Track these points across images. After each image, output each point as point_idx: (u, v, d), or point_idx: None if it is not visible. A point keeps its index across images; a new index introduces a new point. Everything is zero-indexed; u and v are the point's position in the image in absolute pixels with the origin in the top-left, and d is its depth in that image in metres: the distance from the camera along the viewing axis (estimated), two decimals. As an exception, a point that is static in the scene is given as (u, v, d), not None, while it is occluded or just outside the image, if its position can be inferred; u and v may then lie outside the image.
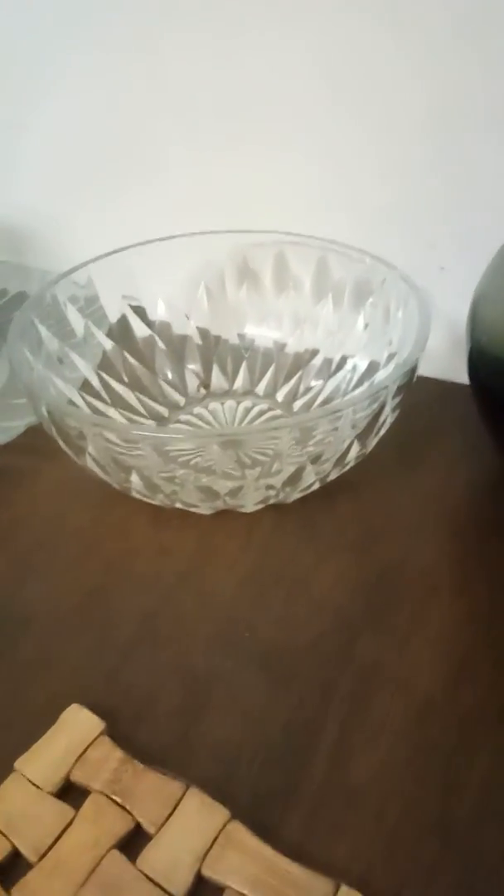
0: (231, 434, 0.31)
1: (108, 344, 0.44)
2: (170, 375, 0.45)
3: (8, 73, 0.48)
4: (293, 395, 0.44)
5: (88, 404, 0.41)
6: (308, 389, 0.44)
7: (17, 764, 0.27)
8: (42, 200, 0.53)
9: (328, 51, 0.40)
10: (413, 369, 0.33)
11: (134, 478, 0.33)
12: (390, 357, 0.39)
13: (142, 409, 0.43)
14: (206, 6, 0.41)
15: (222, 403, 0.45)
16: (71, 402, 0.39)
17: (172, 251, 0.43)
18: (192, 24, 0.42)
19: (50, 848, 0.24)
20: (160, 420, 0.43)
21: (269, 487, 0.33)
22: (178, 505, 0.34)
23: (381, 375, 0.39)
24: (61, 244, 0.54)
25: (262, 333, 0.46)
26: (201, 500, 0.33)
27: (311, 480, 0.33)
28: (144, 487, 0.33)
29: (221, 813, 0.25)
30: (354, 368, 0.42)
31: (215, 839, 0.24)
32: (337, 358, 0.44)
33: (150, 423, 0.43)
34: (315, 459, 0.32)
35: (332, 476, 0.35)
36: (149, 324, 0.46)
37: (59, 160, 0.50)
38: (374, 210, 0.44)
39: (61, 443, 0.34)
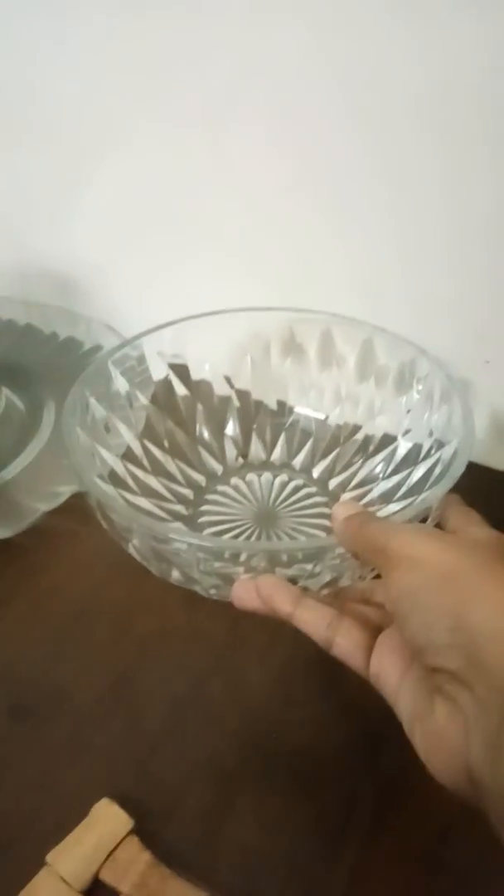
0: (275, 549, 0.32)
1: (151, 408, 0.45)
2: (210, 442, 0.46)
3: (78, 132, 0.49)
4: (329, 473, 0.45)
5: (130, 473, 0.41)
6: (345, 467, 0.45)
7: (50, 858, 0.28)
8: (95, 253, 0.54)
9: (390, 148, 0.40)
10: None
11: (175, 572, 0.34)
12: (431, 448, 0.40)
13: (181, 478, 0.44)
14: (271, 91, 0.41)
15: (259, 476, 0.45)
16: (114, 473, 0.40)
17: (222, 322, 0.44)
18: (257, 108, 0.42)
19: None
20: (198, 490, 0.44)
21: (307, 589, 0.33)
22: (214, 595, 0.35)
23: (420, 470, 0.40)
24: (108, 295, 0.55)
25: (304, 406, 0.47)
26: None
27: (348, 583, 0.34)
28: (183, 580, 0.34)
29: (243, 930, 0.26)
30: (395, 452, 0.43)
31: None
32: (377, 438, 0.44)
33: (189, 492, 0.44)
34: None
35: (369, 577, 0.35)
36: (190, 385, 0.46)
37: (116, 218, 0.51)
38: (426, 300, 0.44)
39: (106, 527, 0.35)
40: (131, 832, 0.29)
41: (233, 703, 0.34)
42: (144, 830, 0.29)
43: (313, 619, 0.28)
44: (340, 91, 0.39)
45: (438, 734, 0.23)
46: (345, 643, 0.27)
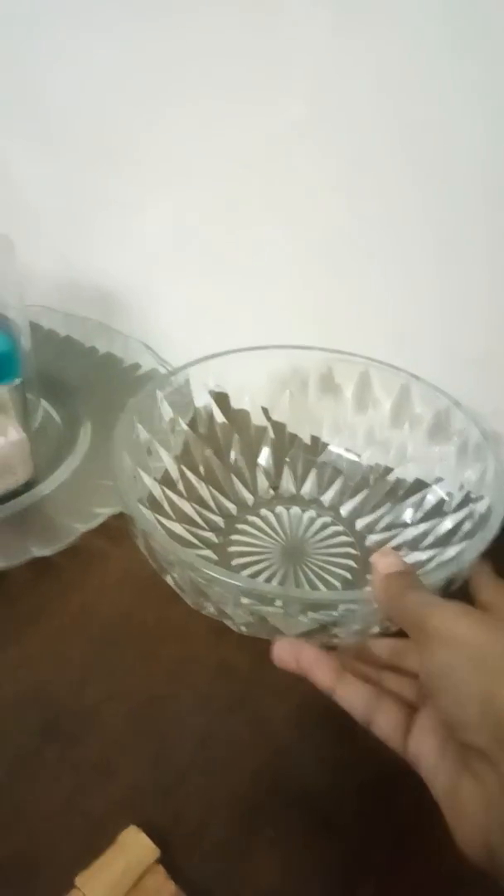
0: (310, 600, 0.33)
1: (191, 434, 0.45)
2: (243, 470, 0.47)
3: (129, 159, 0.50)
4: (357, 513, 0.46)
5: (167, 497, 0.42)
6: (373, 509, 0.46)
7: (79, 881, 0.29)
8: (138, 274, 0.54)
9: (443, 206, 0.41)
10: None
11: (210, 606, 0.35)
12: (463, 502, 0.41)
13: (213, 505, 0.45)
14: (333, 136, 0.42)
15: (288, 509, 0.46)
16: (152, 496, 0.41)
17: (265, 356, 0.45)
18: (316, 151, 0.43)
19: None
20: (229, 518, 0.45)
21: (334, 636, 0.35)
22: (245, 631, 0.36)
23: (449, 522, 0.41)
24: (146, 316, 0.56)
25: (337, 444, 0.48)
26: (269, 634, 0.35)
27: (375, 632, 0.35)
28: (217, 613, 0.35)
29: None
30: (424, 500, 0.44)
31: None
32: (407, 483, 0.45)
33: (220, 519, 0.45)
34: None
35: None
36: (229, 414, 0.47)
37: (160, 243, 0.52)
38: (460, 353, 0.45)
39: (146, 553, 0.36)
40: (157, 861, 0.30)
41: (256, 739, 0.35)
42: (167, 860, 0.30)
43: (352, 698, 0.29)
44: (402, 143, 0.40)
45: (463, 808, 0.24)
46: (384, 724, 0.29)
